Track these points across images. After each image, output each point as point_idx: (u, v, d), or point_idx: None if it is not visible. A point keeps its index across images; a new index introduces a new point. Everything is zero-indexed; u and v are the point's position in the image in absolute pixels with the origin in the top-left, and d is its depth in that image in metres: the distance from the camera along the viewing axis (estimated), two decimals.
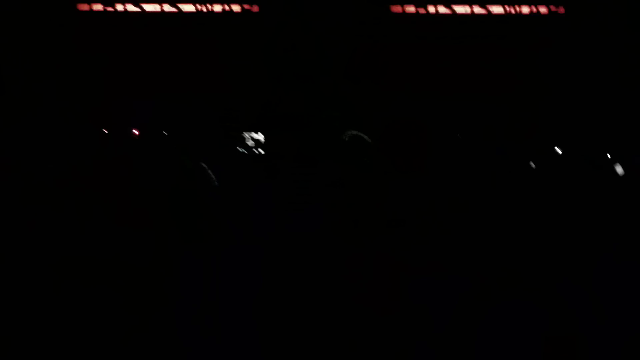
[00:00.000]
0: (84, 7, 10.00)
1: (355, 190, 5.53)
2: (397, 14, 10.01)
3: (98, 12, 10.01)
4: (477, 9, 10.00)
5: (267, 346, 4.84)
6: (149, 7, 10.05)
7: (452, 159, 6.65)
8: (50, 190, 5.65)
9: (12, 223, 5.45)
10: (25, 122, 8.14)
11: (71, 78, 9.32)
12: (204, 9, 10.03)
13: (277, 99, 9.39)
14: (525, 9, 9.89)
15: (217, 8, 10.10)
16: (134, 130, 7.84)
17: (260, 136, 9.39)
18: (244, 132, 9.43)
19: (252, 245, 5.37)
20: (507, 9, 9.90)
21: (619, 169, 6.63)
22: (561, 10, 9.80)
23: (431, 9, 10.01)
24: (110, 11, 9.98)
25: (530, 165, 7.03)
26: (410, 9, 10.02)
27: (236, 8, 10.08)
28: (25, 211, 5.54)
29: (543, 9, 9.84)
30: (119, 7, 10.04)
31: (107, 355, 4.71)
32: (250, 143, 9.39)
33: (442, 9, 10.01)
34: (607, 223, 5.58)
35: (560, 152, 7.81)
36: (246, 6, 10.03)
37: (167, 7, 10.06)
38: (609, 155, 7.34)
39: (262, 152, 9.30)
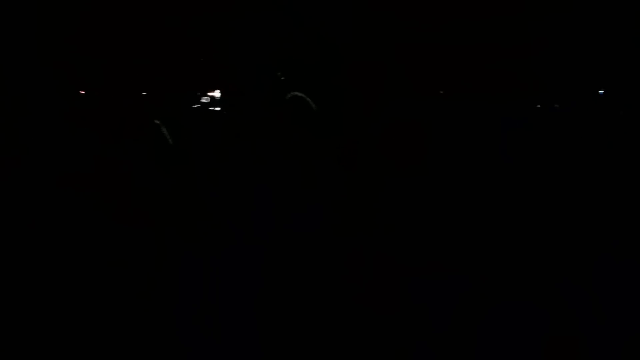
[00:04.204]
0: None
1: (355, 190, 5.53)
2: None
3: None
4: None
5: (267, 346, 4.84)
6: None
7: (452, 159, 6.65)
8: (49, 189, 5.65)
9: (11, 222, 5.45)
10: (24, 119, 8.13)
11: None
12: None
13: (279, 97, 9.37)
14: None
15: None
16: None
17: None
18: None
19: (252, 245, 5.37)
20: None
21: None
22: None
23: None
24: None
25: (530, 165, 7.03)
26: None
27: None
28: (24, 210, 5.54)
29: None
30: None
31: (107, 355, 4.71)
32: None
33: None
34: (607, 222, 5.58)
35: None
36: None
37: None
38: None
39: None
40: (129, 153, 6.47)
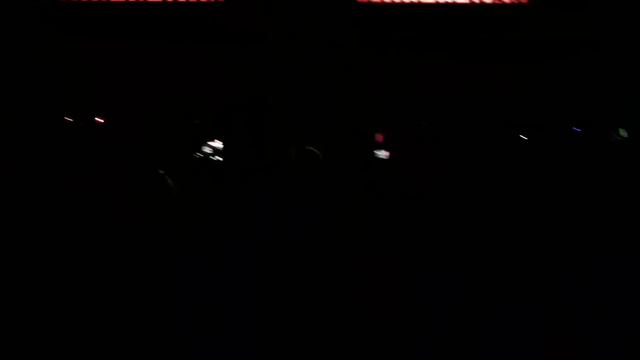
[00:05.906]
0: None
1: (355, 190, 5.53)
2: None
3: None
4: None
5: (267, 346, 4.84)
6: None
7: (453, 159, 6.65)
8: (50, 190, 5.65)
9: (12, 223, 5.46)
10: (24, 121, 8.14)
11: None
12: None
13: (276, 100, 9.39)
14: None
15: None
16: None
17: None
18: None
19: (252, 245, 5.37)
20: None
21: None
22: None
23: None
24: None
25: (531, 166, 7.04)
26: None
27: None
28: (25, 211, 5.54)
29: None
30: None
31: (107, 356, 4.71)
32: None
33: None
34: (607, 222, 5.58)
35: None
36: None
37: None
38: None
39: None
40: (129, 154, 6.48)
